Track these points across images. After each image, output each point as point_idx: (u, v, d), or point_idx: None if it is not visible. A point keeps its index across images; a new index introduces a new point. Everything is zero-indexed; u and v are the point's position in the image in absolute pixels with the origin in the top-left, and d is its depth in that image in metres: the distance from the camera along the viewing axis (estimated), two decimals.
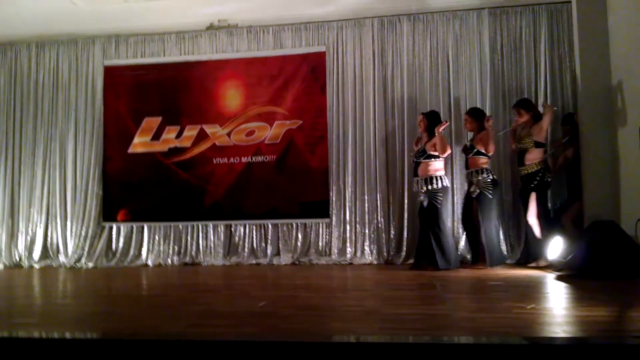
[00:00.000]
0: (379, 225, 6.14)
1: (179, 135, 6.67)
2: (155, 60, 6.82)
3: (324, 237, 6.31)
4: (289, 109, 6.48)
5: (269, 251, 6.37)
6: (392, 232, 6.14)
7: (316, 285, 4.52)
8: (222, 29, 6.72)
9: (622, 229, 4.68)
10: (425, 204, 5.38)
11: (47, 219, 6.82)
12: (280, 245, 6.37)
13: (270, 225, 6.42)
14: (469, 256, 5.68)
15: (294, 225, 6.38)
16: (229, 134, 6.58)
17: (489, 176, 5.39)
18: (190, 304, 3.56)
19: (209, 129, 6.62)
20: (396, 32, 6.36)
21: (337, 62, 6.45)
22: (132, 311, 3.32)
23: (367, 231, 6.15)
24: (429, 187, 5.35)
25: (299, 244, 6.32)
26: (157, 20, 6.58)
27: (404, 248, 6.03)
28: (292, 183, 6.40)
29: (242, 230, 6.47)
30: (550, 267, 5.01)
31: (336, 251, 6.19)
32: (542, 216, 5.31)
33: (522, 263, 5.57)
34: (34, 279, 5.59)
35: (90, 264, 6.45)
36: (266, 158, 6.50)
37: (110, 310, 3.45)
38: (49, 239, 6.79)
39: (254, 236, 6.44)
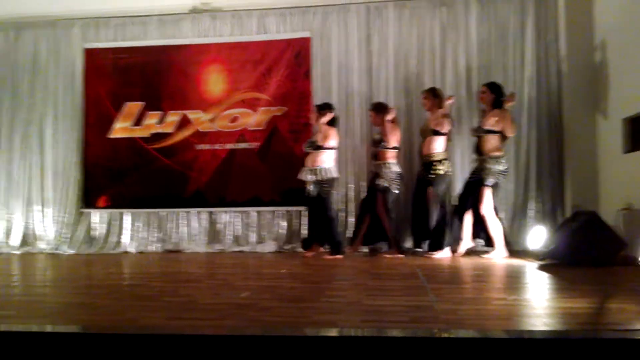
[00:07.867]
0: None
1: (160, 121, 6.55)
2: (136, 43, 6.67)
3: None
4: (273, 95, 6.39)
5: (252, 239, 6.32)
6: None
7: (299, 275, 4.50)
8: (205, 12, 6.58)
9: (603, 218, 4.74)
10: (314, 192, 5.54)
11: (26, 205, 6.69)
12: (264, 233, 6.33)
13: (254, 213, 6.37)
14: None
15: (278, 213, 6.33)
16: (212, 120, 6.48)
17: (396, 169, 5.49)
18: (172, 295, 3.52)
19: (191, 115, 6.52)
20: (382, 18, 6.28)
21: (321, 49, 6.37)
22: (113, 303, 3.27)
23: (350, 219, 6.13)
24: (317, 177, 5.48)
25: (282, 231, 6.28)
26: (138, 2, 6.42)
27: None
28: (276, 170, 6.33)
29: (225, 217, 6.42)
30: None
31: None
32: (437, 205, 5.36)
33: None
34: (13, 267, 5.49)
35: (71, 251, 6.35)
36: (250, 145, 6.42)
37: (90, 301, 3.40)
38: (29, 225, 6.67)
39: (238, 224, 6.39)
